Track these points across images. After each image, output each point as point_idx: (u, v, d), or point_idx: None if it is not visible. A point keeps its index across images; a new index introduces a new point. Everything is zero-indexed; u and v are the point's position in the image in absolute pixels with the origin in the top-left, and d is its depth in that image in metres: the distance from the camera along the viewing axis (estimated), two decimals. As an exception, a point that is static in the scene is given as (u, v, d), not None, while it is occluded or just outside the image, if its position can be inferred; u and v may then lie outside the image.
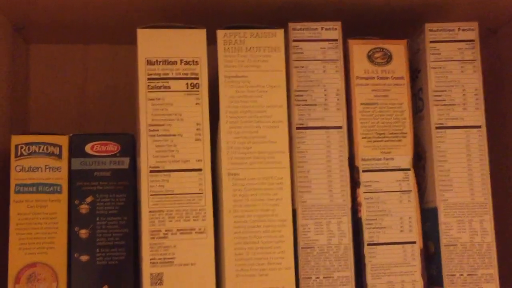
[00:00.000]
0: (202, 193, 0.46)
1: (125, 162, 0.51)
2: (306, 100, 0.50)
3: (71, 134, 0.51)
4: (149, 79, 0.47)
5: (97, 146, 0.51)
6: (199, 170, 0.46)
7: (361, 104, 0.50)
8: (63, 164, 0.51)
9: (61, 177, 0.50)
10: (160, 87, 0.47)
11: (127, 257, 0.50)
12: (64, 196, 0.50)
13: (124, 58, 0.63)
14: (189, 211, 0.46)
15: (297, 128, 0.49)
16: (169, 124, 0.46)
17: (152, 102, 0.46)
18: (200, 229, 0.45)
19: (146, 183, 0.46)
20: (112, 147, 0.51)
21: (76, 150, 0.51)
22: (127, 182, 0.51)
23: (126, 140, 0.52)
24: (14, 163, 0.50)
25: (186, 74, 0.47)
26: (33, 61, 0.62)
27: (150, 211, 0.45)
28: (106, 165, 0.51)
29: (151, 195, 0.45)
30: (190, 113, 0.47)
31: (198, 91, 0.47)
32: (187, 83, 0.47)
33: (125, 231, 0.51)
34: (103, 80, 0.63)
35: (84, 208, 0.50)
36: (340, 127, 0.50)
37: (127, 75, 0.62)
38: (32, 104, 0.62)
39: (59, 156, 0.51)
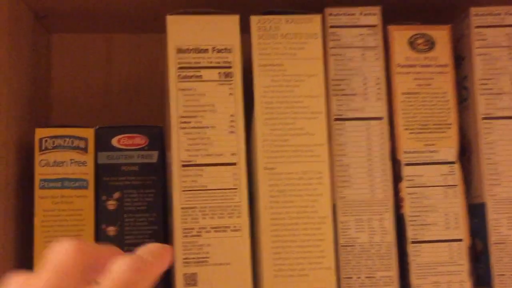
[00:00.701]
0: (236, 188, 0.43)
1: (154, 155, 0.49)
2: (344, 90, 0.47)
3: (97, 127, 0.49)
4: (179, 68, 0.44)
5: (124, 139, 0.49)
6: (234, 164, 0.44)
7: (403, 93, 0.47)
8: (89, 158, 0.48)
9: (87, 172, 0.48)
10: (191, 77, 0.44)
11: (157, 255, 0.48)
12: (90, 191, 0.48)
13: (150, 48, 0.60)
14: (224, 207, 0.43)
15: (335, 120, 0.47)
16: (201, 116, 0.44)
17: (183, 92, 0.44)
18: (235, 226, 0.43)
19: (178, 178, 0.43)
20: (140, 140, 0.49)
21: (102, 143, 0.49)
22: (156, 176, 0.49)
23: (155, 132, 0.49)
24: (38, 157, 0.48)
25: (219, 62, 0.44)
26: (55, 51, 0.60)
27: (182, 208, 0.43)
28: (133, 159, 0.49)
29: (183, 190, 0.43)
30: (223, 104, 0.44)
31: (232, 80, 0.44)
32: (219, 72, 0.44)
33: (154, 228, 0.48)
34: (127, 70, 0.60)
35: (111, 204, 0.48)
36: (380, 118, 0.47)
37: (152, 65, 0.60)
38: (54, 96, 0.60)
39: (85, 149, 0.48)
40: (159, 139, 0.49)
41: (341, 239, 0.45)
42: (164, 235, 0.49)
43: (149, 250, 0.28)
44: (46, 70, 0.59)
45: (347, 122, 0.47)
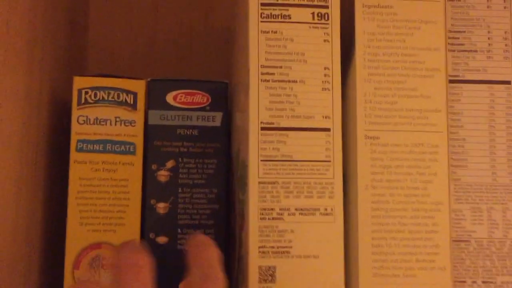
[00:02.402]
0: (330, 161, 0.34)
1: (217, 118, 0.40)
2: (463, 45, 0.37)
3: (149, 79, 0.40)
4: (262, 4, 0.35)
5: (181, 96, 0.39)
6: (327, 130, 0.34)
7: (534, 53, 0.37)
8: (138, 117, 0.39)
9: (136, 134, 0.39)
10: (277, 16, 0.35)
11: (217, 241, 0.38)
12: (138, 158, 0.39)
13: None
14: (312, 184, 0.34)
15: (451, 82, 0.37)
16: (288, 67, 0.34)
17: (266, 36, 0.34)
18: (326, 209, 0.34)
19: (255, 144, 0.34)
20: (201, 98, 0.40)
21: (155, 99, 0.39)
22: (219, 144, 0.40)
23: (219, 89, 0.40)
24: (76, 112, 0.38)
25: (313, 0, 0.35)
26: (94, -7, 0.51)
27: (260, 182, 0.33)
28: (192, 120, 0.39)
29: (262, 160, 0.34)
30: (316, 52, 0.34)
31: (328, 23, 0.35)
32: (313, 13, 0.35)
33: (215, 207, 0.39)
34: (177, 16, 0.51)
35: (163, 176, 0.39)
36: (508, 82, 0.37)
37: (209, 9, 0.50)
38: (92, 46, 0.50)
39: (134, 106, 0.39)
40: (223, 98, 0.40)
41: (453, 232, 0.36)
42: (227, 217, 0.39)
43: None
44: (84, 16, 0.50)
45: (464, 85, 0.37)
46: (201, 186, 0.39)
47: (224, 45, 0.50)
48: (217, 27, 0.51)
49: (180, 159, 0.39)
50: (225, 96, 0.40)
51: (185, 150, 0.39)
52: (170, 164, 0.39)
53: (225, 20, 0.50)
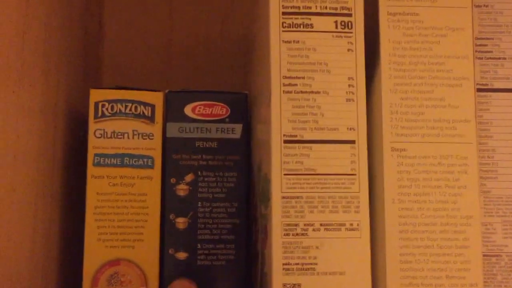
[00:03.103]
0: (355, 174, 0.33)
1: (237, 130, 0.39)
2: (491, 52, 0.36)
3: (167, 91, 0.39)
4: (284, 13, 0.34)
5: (200, 108, 0.39)
6: (352, 142, 0.33)
7: None
8: (156, 129, 0.38)
9: (154, 147, 0.38)
10: (299, 26, 0.34)
11: (238, 256, 0.38)
12: (156, 172, 0.38)
13: (218, 1, 0.50)
14: (338, 199, 0.33)
15: (479, 90, 0.36)
16: (311, 77, 0.33)
17: (287, 45, 0.33)
18: (352, 224, 0.32)
19: (278, 158, 0.33)
20: (220, 109, 0.39)
21: (173, 112, 0.38)
22: (239, 156, 0.39)
23: (238, 100, 0.39)
24: (93, 126, 0.38)
25: (335, 8, 0.34)
26: (108, 4, 0.50)
27: (283, 197, 0.32)
28: (211, 133, 0.38)
29: (285, 174, 0.33)
30: (340, 62, 0.33)
31: (351, 32, 0.34)
32: (336, 21, 0.34)
33: (235, 221, 0.38)
34: (193, 26, 0.50)
35: (182, 190, 0.38)
36: (538, 91, 0.36)
37: (225, 19, 0.50)
38: (107, 58, 0.49)
39: (151, 119, 0.38)
40: (243, 110, 0.39)
41: (484, 246, 0.35)
42: (247, 232, 0.38)
43: None
44: (98, 24, 0.49)
45: (494, 94, 0.36)
46: (221, 200, 0.38)
47: (241, 55, 0.49)
48: (234, 37, 0.50)
49: (199, 172, 0.38)
50: (245, 107, 0.39)
51: (205, 163, 0.38)
52: (189, 177, 0.38)
53: (241, 28, 0.50)
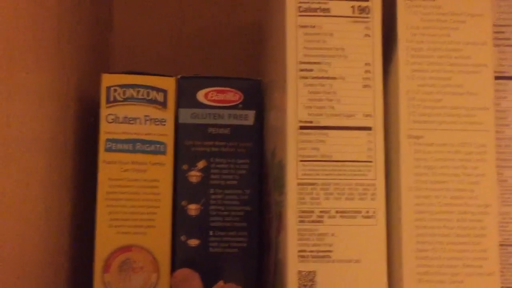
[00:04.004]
0: (372, 161, 0.32)
1: (250, 116, 0.38)
2: (508, 39, 0.36)
3: (179, 76, 0.38)
4: (300, -2, 0.33)
5: (213, 94, 0.38)
6: (368, 129, 0.33)
7: None
8: (169, 115, 0.38)
9: (166, 133, 0.37)
10: (315, 10, 0.33)
11: (250, 244, 0.37)
12: (169, 158, 0.37)
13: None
14: (354, 186, 0.32)
15: (496, 78, 0.35)
16: (327, 63, 0.33)
17: (304, 30, 0.33)
18: (368, 212, 0.32)
19: (293, 144, 0.32)
20: (233, 95, 0.38)
21: (185, 97, 0.38)
22: (252, 143, 0.38)
23: (252, 87, 0.39)
24: (104, 110, 0.37)
25: (353, -8, 0.33)
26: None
27: (299, 184, 0.32)
28: (224, 119, 0.38)
29: (300, 161, 0.32)
30: (357, 48, 0.33)
31: (368, 17, 0.33)
32: (353, 6, 0.33)
33: (247, 209, 0.38)
34: (204, 13, 0.49)
35: (194, 176, 0.37)
36: (557, 79, 0.35)
37: (234, 7, 0.49)
38: (117, 43, 0.49)
39: (164, 104, 0.38)
40: (256, 96, 0.39)
41: (500, 236, 0.34)
42: (259, 219, 0.38)
43: None
44: (108, 14, 0.49)
45: (510, 82, 0.35)
46: (233, 187, 0.38)
47: (253, 40, 0.49)
48: (245, 22, 0.49)
49: (211, 159, 0.38)
50: (259, 93, 0.39)
51: (217, 149, 0.38)
52: (201, 164, 0.38)
53: (253, 14, 0.49)
